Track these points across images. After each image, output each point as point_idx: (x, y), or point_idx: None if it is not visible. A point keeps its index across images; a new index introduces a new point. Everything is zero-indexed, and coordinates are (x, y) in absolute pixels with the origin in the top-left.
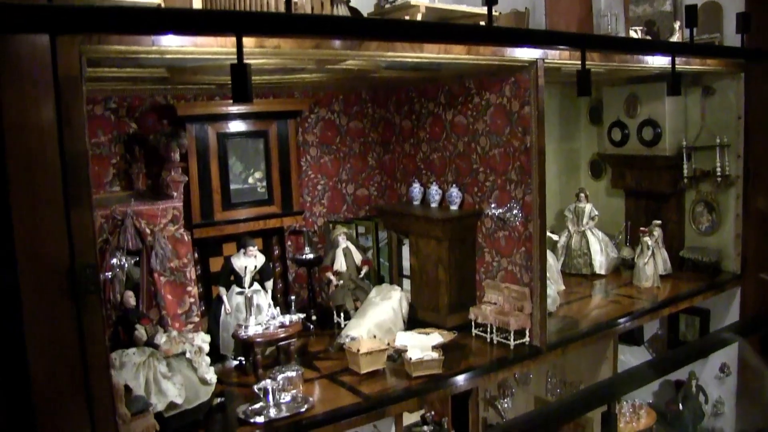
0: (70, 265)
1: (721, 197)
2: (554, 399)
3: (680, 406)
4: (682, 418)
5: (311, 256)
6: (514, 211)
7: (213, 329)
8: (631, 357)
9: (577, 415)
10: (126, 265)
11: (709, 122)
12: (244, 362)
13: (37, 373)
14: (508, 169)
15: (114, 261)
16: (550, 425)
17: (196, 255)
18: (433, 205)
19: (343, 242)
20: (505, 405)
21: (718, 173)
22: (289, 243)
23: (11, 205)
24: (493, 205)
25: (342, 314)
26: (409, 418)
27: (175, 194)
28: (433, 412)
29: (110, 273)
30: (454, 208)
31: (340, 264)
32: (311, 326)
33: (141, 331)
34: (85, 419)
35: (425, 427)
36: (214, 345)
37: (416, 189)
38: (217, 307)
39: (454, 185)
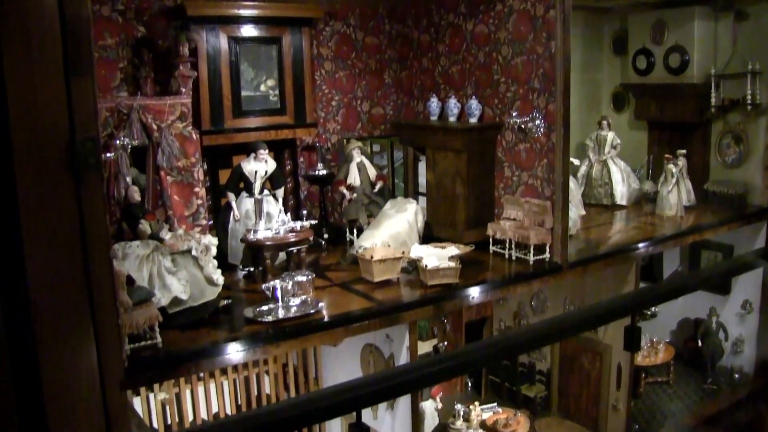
0: (70, 138)
1: (750, 127)
2: None
3: (699, 343)
4: (700, 356)
5: (324, 172)
6: (537, 122)
7: (221, 237)
8: None
9: (598, 324)
10: (129, 146)
11: (740, 48)
12: (252, 271)
13: (32, 253)
14: (531, 78)
15: (117, 142)
16: (567, 332)
17: (205, 166)
18: (452, 119)
19: (358, 156)
20: None
21: (748, 102)
22: (301, 159)
23: (5, 73)
24: (514, 114)
25: (355, 230)
26: (422, 347)
27: (183, 90)
28: (446, 342)
29: (113, 154)
30: (473, 120)
31: (354, 178)
32: (323, 242)
33: (145, 226)
34: (84, 303)
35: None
36: (223, 253)
37: (434, 104)
38: (225, 214)
39: (473, 98)
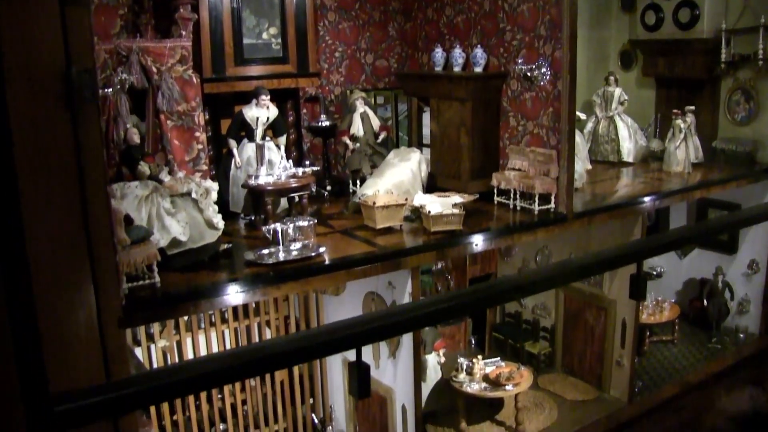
0: (66, 70)
1: (761, 84)
2: (576, 282)
3: (704, 303)
4: (705, 315)
5: (327, 124)
6: (543, 69)
7: (222, 184)
8: (657, 257)
9: (604, 269)
10: (128, 83)
11: (752, 2)
12: (254, 218)
13: (28, 189)
14: (537, 25)
15: (116, 78)
16: (572, 276)
17: (206, 115)
18: (456, 69)
19: (361, 107)
20: None
21: (760, 57)
22: (304, 111)
23: None
24: (520, 61)
25: (358, 181)
26: None
27: (183, 33)
28: None
29: (111, 89)
30: (478, 70)
31: (357, 128)
32: (326, 194)
33: (144, 167)
34: (81, 239)
35: None
36: (224, 201)
37: (438, 54)
38: (226, 161)
39: (478, 47)
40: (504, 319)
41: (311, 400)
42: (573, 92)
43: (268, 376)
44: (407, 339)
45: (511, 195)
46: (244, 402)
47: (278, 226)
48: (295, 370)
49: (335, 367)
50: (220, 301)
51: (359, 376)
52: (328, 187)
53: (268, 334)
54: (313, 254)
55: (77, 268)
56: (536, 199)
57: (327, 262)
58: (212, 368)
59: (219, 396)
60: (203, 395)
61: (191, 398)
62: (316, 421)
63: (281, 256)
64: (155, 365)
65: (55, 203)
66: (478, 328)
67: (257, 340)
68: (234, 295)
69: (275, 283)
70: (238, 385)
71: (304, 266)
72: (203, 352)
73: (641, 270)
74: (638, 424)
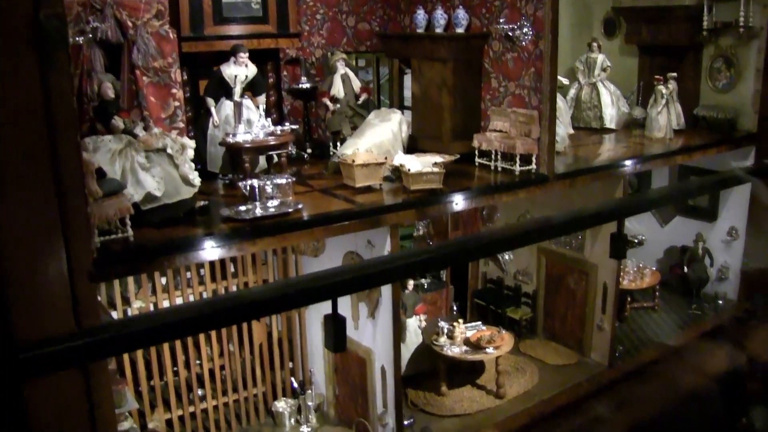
0: (34, 15)
1: (742, 51)
2: (558, 247)
3: (685, 269)
4: (686, 282)
5: (308, 86)
6: (525, 29)
7: (200, 144)
8: (637, 224)
9: (585, 226)
10: (101, 34)
11: None
12: (231, 178)
13: None
14: None
15: (88, 26)
16: (553, 231)
17: (184, 75)
18: (438, 30)
19: (342, 68)
20: (507, 257)
21: (741, 25)
22: (284, 73)
23: None
24: (502, 21)
25: (338, 143)
26: None
27: None
28: None
29: (82, 38)
30: (460, 30)
31: (338, 90)
32: (306, 155)
33: (118, 121)
34: (50, 189)
35: (423, 280)
36: (202, 161)
37: (420, 16)
38: (204, 120)
39: (460, 7)
40: (486, 286)
41: (290, 364)
42: (555, 52)
43: (246, 341)
44: (386, 299)
45: (492, 156)
46: (222, 367)
47: (256, 181)
48: (274, 334)
49: (314, 331)
50: (195, 255)
51: (335, 329)
52: (309, 150)
53: None
54: (290, 210)
55: (46, 219)
56: (517, 160)
57: (305, 218)
58: (186, 315)
59: (197, 361)
60: (180, 361)
61: (168, 363)
62: (295, 384)
63: (258, 211)
64: None
65: (23, 152)
66: (460, 294)
67: None
68: (210, 250)
69: (252, 238)
70: (216, 350)
71: (281, 222)
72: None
73: (622, 229)
74: (619, 388)
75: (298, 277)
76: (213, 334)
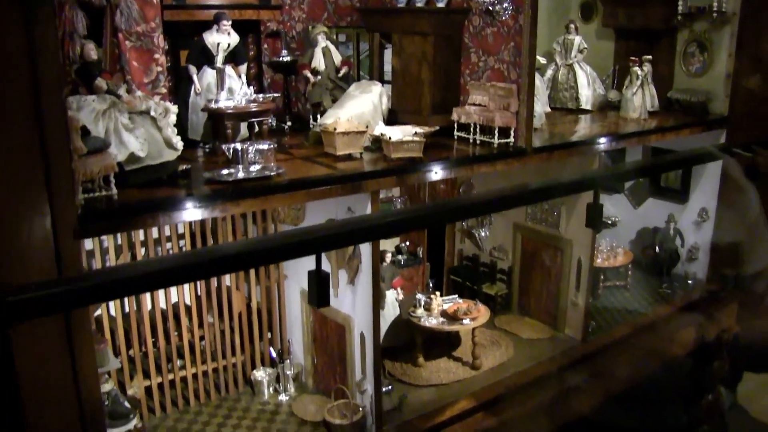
0: None
1: (715, 36)
2: (534, 224)
3: (657, 249)
4: (657, 262)
5: (288, 59)
6: (504, 4)
7: (181, 110)
8: (611, 206)
9: (562, 193)
10: None
11: None
12: (213, 145)
13: None
14: None
15: None
16: (531, 197)
17: (165, 45)
18: (419, 4)
19: (323, 41)
20: (483, 234)
21: (714, 10)
22: (265, 47)
23: None
24: None
25: (319, 115)
26: (384, 245)
27: None
28: (408, 242)
29: None
30: (441, 5)
31: (319, 62)
32: (286, 127)
33: (101, 82)
34: (35, 145)
35: (400, 256)
36: (183, 129)
37: None
38: (186, 88)
39: None
40: (462, 263)
41: (269, 335)
42: (534, 27)
43: (226, 311)
44: (366, 266)
45: (471, 129)
46: (201, 338)
47: (238, 145)
48: (254, 305)
49: (293, 302)
50: (178, 215)
51: (318, 284)
52: (288, 123)
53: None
54: (272, 174)
55: (31, 174)
56: (496, 133)
57: (287, 181)
58: (170, 265)
59: (175, 332)
60: (160, 331)
61: (148, 334)
62: (273, 354)
63: (241, 174)
64: (111, 304)
65: (7, 107)
66: (436, 271)
67: (216, 281)
68: (193, 210)
69: (235, 199)
70: (195, 321)
71: (264, 185)
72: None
73: (597, 199)
74: (592, 361)
75: (285, 232)
76: (193, 306)
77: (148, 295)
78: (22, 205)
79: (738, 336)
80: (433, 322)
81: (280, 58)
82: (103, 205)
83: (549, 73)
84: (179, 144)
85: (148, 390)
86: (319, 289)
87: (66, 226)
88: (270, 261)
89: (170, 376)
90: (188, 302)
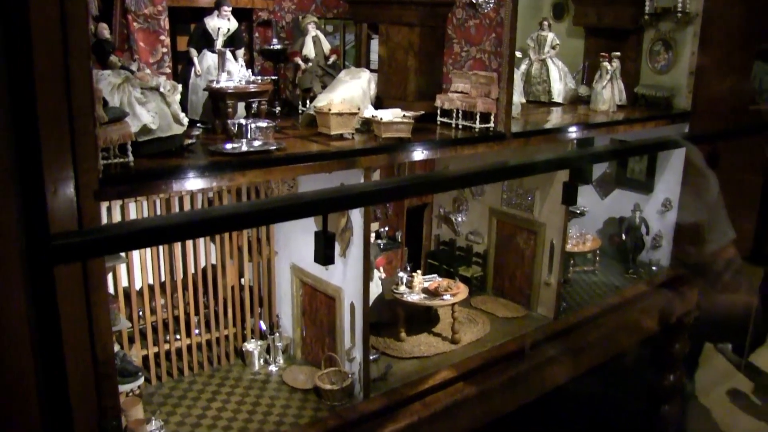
0: None
1: (679, 35)
2: (509, 208)
3: (623, 237)
4: (624, 249)
5: (279, 47)
6: None
7: (182, 92)
8: (580, 197)
9: (538, 171)
10: None
11: None
12: (213, 124)
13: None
14: None
15: None
16: (510, 173)
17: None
18: None
19: (313, 30)
20: (459, 219)
21: (679, 10)
22: (256, 35)
23: None
24: None
25: (308, 101)
26: None
27: None
28: (387, 227)
29: None
30: None
31: (309, 50)
32: (277, 112)
33: (115, 59)
34: (64, 111)
35: (379, 241)
36: (183, 108)
37: None
38: (187, 69)
39: None
40: (439, 247)
41: (260, 310)
42: (515, 19)
43: (220, 287)
44: (357, 238)
45: (454, 115)
46: (197, 311)
47: (243, 120)
48: (246, 280)
49: (284, 277)
50: (191, 182)
51: (325, 243)
52: (278, 108)
53: (213, 251)
54: (274, 147)
55: (59, 137)
56: (477, 118)
57: (286, 154)
58: (187, 220)
59: (163, 306)
60: (158, 305)
61: (148, 305)
62: (263, 327)
63: (244, 148)
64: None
65: (43, 74)
66: (414, 255)
67: (203, 260)
68: (203, 179)
69: (240, 169)
70: (191, 295)
71: (266, 158)
72: (147, 255)
73: (573, 178)
74: (563, 338)
75: (293, 195)
76: (189, 281)
77: (149, 270)
78: (51, 166)
79: (700, 308)
80: (415, 297)
81: (271, 46)
82: (120, 171)
83: (523, 67)
84: (185, 120)
85: (145, 360)
86: (325, 247)
87: (88, 189)
88: (282, 219)
89: (166, 347)
90: (182, 278)
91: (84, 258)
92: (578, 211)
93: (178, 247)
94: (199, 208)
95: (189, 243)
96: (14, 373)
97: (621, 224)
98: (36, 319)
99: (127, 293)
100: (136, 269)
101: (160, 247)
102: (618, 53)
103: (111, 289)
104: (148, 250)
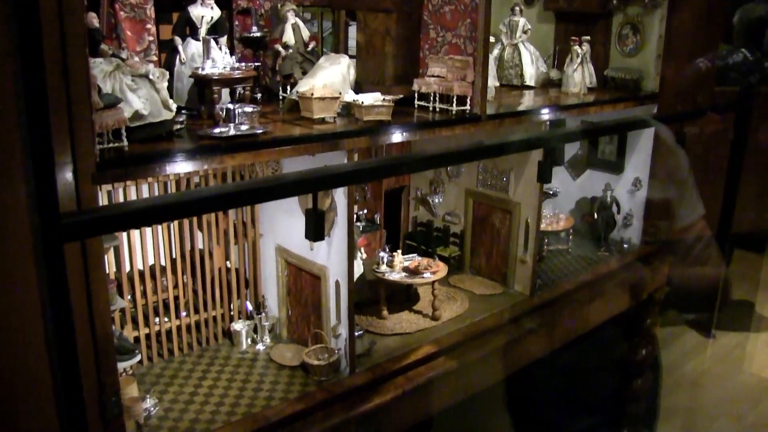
0: None
1: (647, 19)
2: (485, 189)
3: (595, 216)
4: (596, 227)
5: (258, 34)
6: None
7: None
8: (552, 178)
9: (514, 150)
10: None
11: None
12: (197, 112)
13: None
14: None
15: None
16: (487, 152)
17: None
18: None
19: (292, 18)
20: (436, 201)
21: None
22: (236, 23)
23: None
24: None
25: (289, 87)
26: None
27: None
28: (366, 210)
29: None
30: None
31: (289, 37)
32: (258, 98)
33: (105, 47)
34: (62, 96)
35: (358, 223)
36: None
37: None
38: (171, 57)
39: None
40: (416, 228)
41: (246, 291)
42: (489, 4)
43: (208, 269)
44: (342, 218)
45: (431, 99)
46: (185, 293)
47: (230, 105)
48: (231, 262)
49: (269, 258)
50: (183, 165)
51: (315, 220)
52: (259, 95)
53: (200, 239)
54: (260, 131)
55: (58, 122)
56: (454, 101)
57: (272, 137)
58: (180, 200)
59: (162, 289)
60: (149, 287)
61: (138, 288)
62: (250, 307)
63: (232, 132)
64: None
65: (43, 59)
66: (392, 237)
67: (189, 244)
68: (194, 162)
69: (230, 152)
70: (180, 279)
71: (254, 141)
72: (148, 237)
73: (547, 156)
74: (538, 314)
75: (284, 175)
76: (179, 264)
77: (137, 253)
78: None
79: (670, 283)
80: (396, 276)
81: (251, 34)
82: (115, 156)
83: (495, 52)
84: (173, 106)
85: (136, 341)
86: (315, 225)
87: (85, 172)
88: (272, 198)
89: (156, 328)
90: (163, 261)
91: (91, 235)
92: (551, 192)
93: (166, 232)
94: (192, 189)
95: (175, 228)
96: (26, 343)
97: (593, 204)
98: (48, 292)
99: (117, 278)
100: (125, 254)
101: (148, 233)
102: (588, 37)
103: (107, 273)
104: (136, 236)
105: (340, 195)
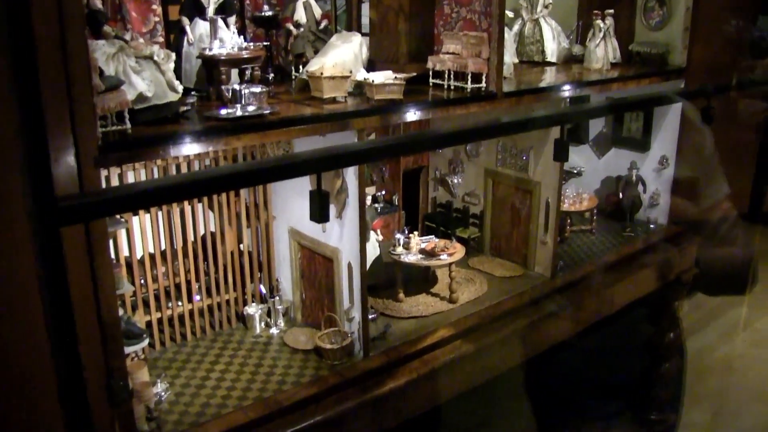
0: None
1: None
2: (504, 168)
3: (620, 195)
4: (620, 208)
5: (270, 13)
6: None
7: (175, 61)
8: (576, 157)
9: (532, 127)
10: None
11: None
12: (206, 93)
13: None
14: None
15: None
16: (505, 129)
17: None
18: None
19: None
20: (455, 181)
21: None
22: (247, 2)
23: None
24: None
25: (301, 66)
26: None
27: None
28: (384, 191)
29: None
30: None
31: (300, 16)
32: (270, 78)
33: (108, 29)
34: (62, 80)
35: (376, 205)
36: (177, 77)
37: None
38: (179, 38)
39: None
40: (436, 209)
41: (259, 275)
42: None
43: (220, 253)
44: (353, 199)
45: (446, 76)
46: (197, 278)
47: (236, 86)
48: (244, 246)
49: (282, 241)
50: (188, 147)
51: (320, 201)
52: (271, 75)
53: (212, 219)
54: (268, 112)
55: (58, 106)
56: (469, 78)
57: (280, 118)
58: (197, 178)
59: (166, 274)
60: (160, 272)
61: (149, 272)
62: (263, 290)
63: (239, 113)
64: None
65: (41, 43)
66: (411, 219)
67: (192, 227)
68: (199, 143)
69: (235, 133)
70: (191, 262)
71: (261, 122)
72: (146, 223)
73: (564, 134)
74: (560, 296)
75: (288, 155)
76: (189, 249)
77: (149, 239)
78: (52, 134)
79: (698, 265)
80: (412, 258)
81: (263, 13)
82: (118, 138)
83: (516, 27)
84: (180, 87)
85: (148, 326)
86: (320, 205)
87: (88, 156)
88: (280, 178)
89: (168, 313)
90: (182, 245)
91: (89, 219)
92: (575, 171)
93: (177, 215)
94: (199, 170)
95: (188, 211)
96: (27, 326)
97: (617, 183)
98: (45, 275)
99: (128, 262)
100: (137, 238)
101: (160, 216)
102: (611, 11)
103: (113, 257)
104: (148, 219)
105: (351, 175)
